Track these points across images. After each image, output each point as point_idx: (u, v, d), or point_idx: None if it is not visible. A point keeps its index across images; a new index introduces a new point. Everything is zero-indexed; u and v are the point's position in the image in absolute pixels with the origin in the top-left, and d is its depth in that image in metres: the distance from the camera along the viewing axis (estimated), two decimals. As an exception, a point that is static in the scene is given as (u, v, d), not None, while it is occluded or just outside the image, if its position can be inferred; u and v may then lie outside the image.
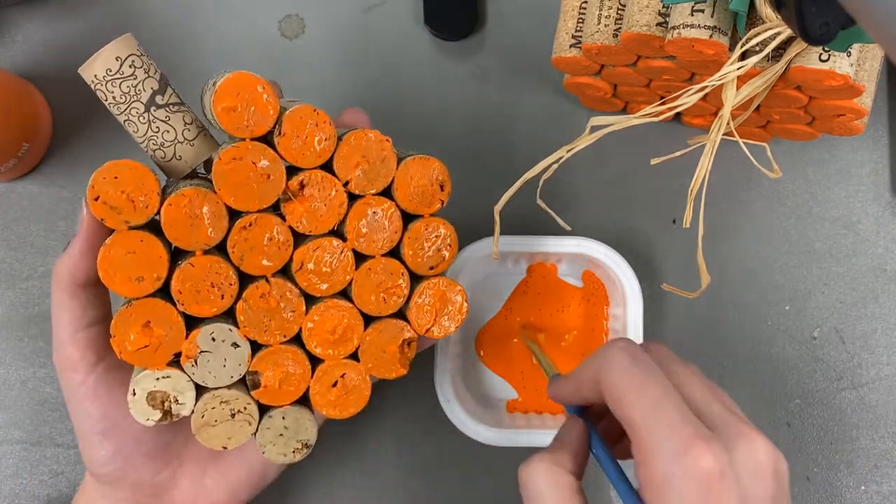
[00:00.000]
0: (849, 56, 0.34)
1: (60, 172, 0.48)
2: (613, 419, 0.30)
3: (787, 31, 0.33)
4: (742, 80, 0.36)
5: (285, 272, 0.34)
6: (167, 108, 0.33)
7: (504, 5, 0.49)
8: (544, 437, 0.42)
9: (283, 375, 0.34)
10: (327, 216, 0.34)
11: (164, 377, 0.33)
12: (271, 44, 0.49)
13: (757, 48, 0.34)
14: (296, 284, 0.34)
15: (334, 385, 0.35)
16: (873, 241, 0.47)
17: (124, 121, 0.33)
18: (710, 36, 0.33)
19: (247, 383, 0.35)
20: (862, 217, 0.47)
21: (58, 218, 0.47)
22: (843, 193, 0.47)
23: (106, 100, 0.33)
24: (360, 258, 0.35)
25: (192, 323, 0.33)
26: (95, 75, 0.32)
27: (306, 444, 0.36)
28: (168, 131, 0.33)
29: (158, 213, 0.32)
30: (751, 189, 0.47)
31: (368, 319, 0.36)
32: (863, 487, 0.46)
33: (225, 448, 0.35)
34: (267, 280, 0.33)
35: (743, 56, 0.34)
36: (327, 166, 0.34)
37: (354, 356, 0.36)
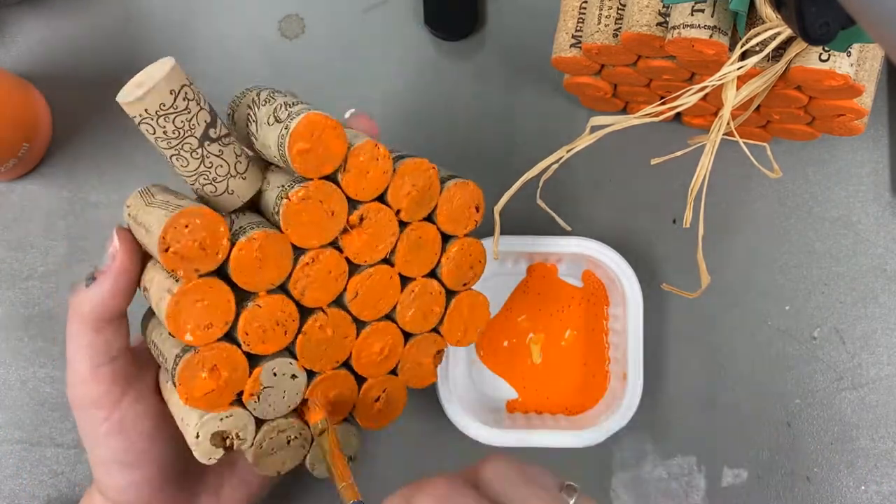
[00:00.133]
0: (849, 56, 0.34)
1: (60, 172, 0.48)
2: None
3: (787, 31, 0.33)
4: (742, 80, 0.36)
5: (338, 300, 0.34)
6: (220, 142, 0.31)
7: (504, 5, 0.49)
8: (544, 437, 0.42)
9: (334, 399, 0.35)
10: (383, 246, 0.34)
11: (226, 416, 0.32)
12: (271, 44, 0.49)
13: (757, 48, 0.34)
14: (348, 312, 0.34)
15: (377, 400, 0.37)
16: (873, 241, 0.47)
17: (171, 156, 0.30)
18: (710, 36, 0.33)
19: (297, 410, 0.35)
20: (862, 217, 0.47)
21: (58, 218, 0.47)
22: (843, 193, 0.47)
23: (154, 134, 0.29)
24: (402, 280, 0.36)
25: (252, 360, 0.33)
26: (146, 110, 0.29)
27: (351, 457, 0.36)
28: (221, 166, 0.31)
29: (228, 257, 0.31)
30: (751, 189, 0.47)
31: (407, 336, 0.37)
32: (863, 487, 0.46)
33: (279, 473, 0.35)
34: (324, 311, 0.34)
35: (743, 56, 0.34)
36: (381, 196, 0.34)
37: (394, 371, 0.37)
